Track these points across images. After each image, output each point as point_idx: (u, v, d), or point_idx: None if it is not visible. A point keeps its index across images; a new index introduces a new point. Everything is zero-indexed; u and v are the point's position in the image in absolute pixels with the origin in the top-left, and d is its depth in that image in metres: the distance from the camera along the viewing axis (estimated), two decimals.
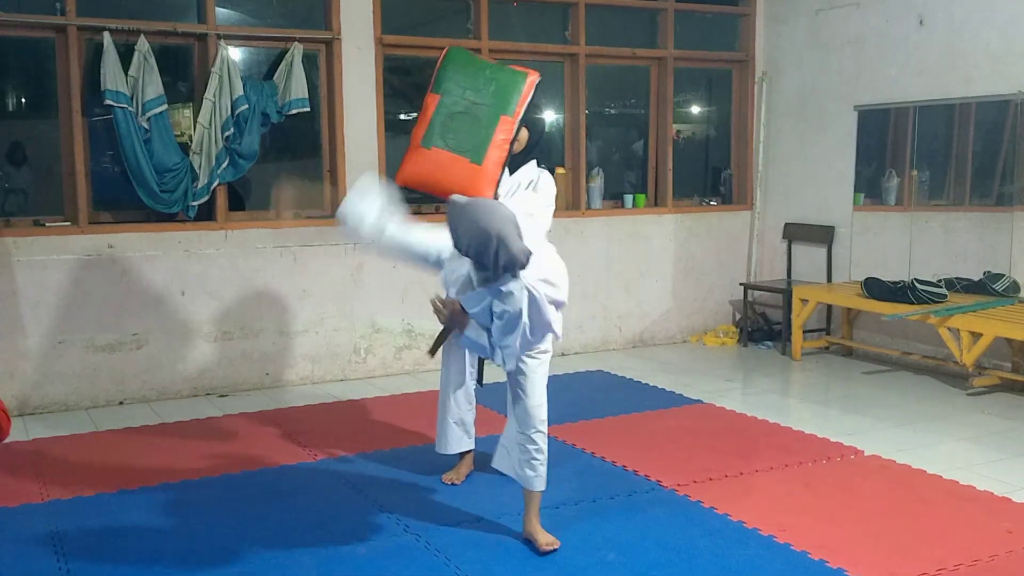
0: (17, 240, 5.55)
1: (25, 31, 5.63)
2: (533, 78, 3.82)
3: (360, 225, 3.75)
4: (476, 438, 4.42)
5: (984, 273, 6.13)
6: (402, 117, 6.96)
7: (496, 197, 3.87)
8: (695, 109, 8.21)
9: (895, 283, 6.22)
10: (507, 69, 3.86)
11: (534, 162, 4.15)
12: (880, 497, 4.11)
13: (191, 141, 5.89)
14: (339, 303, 6.40)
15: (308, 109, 6.11)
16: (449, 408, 4.25)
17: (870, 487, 4.25)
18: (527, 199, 4.09)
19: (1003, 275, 6.01)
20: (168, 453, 4.80)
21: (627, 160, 7.88)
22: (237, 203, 6.30)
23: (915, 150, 6.72)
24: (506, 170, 4.09)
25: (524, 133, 4.08)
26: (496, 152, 3.73)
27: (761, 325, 7.72)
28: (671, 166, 7.55)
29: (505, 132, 3.74)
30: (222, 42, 5.89)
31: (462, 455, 4.41)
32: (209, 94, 5.82)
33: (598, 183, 7.29)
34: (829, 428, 5.12)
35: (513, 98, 3.76)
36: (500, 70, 3.83)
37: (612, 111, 7.87)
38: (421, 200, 6.00)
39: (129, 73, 5.60)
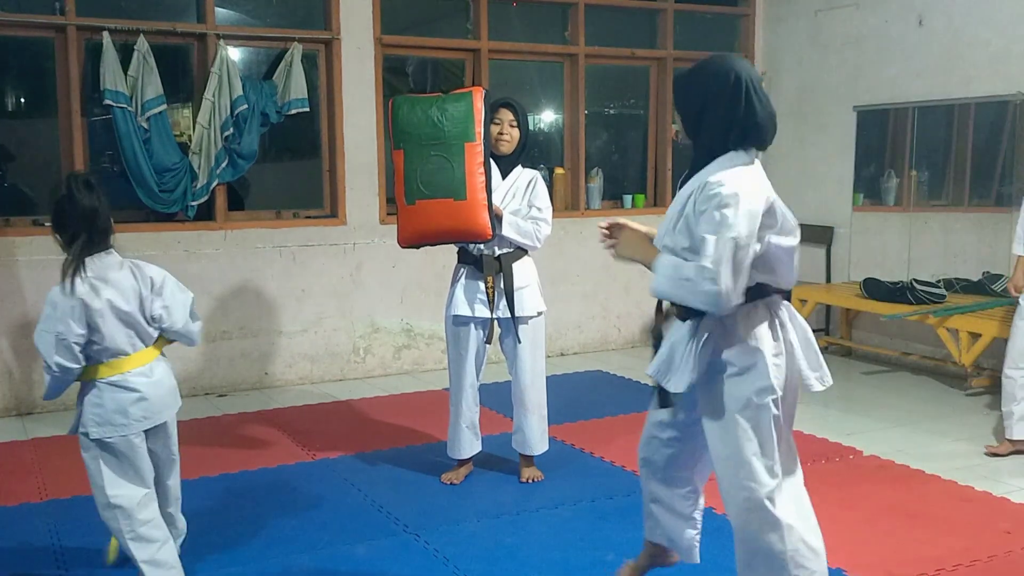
0: (17, 240, 5.55)
1: (24, 31, 5.63)
2: (477, 93, 3.95)
3: None
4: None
5: (983, 274, 6.13)
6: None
7: (492, 208, 3.92)
8: None
9: (894, 283, 6.22)
10: (451, 97, 4.00)
11: (520, 165, 4.21)
12: (879, 497, 4.11)
13: (190, 141, 5.89)
14: (338, 303, 6.40)
15: (307, 109, 6.11)
16: (462, 412, 4.26)
17: (869, 487, 4.25)
18: (540, 194, 4.16)
19: (1002, 276, 6.01)
20: None
21: (626, 160, 7.88)
22: (236, 203, 6.30)
23: (914, 151, 6.72)
24: (498, 173, 4.14)
25: (516, 132, 4.14)
26: (474, 179, 3.88)
27: None
28: (670, 166, 7.55)
29: (475, 156, 3.88)
30: (221, 42, 5.89)
31: None
32: (208, 94, 5.82)
33: (597, 183, 7.29)
34: (828, 428, 5.12)
35: (468, 123, 3.90)
36: (444, 101, 3.98)
37: (611, 111, 7.87)
38: None
39: (128, 73, 5.60)
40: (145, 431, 3.13)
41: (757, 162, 2.45)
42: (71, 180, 3.02)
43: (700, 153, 2.47)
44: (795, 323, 2.56)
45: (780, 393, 2.45)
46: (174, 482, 3.33)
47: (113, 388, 3.06)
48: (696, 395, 2.55)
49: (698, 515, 2.88)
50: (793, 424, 2.53)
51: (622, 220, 2.73)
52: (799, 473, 2.54)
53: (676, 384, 2.50)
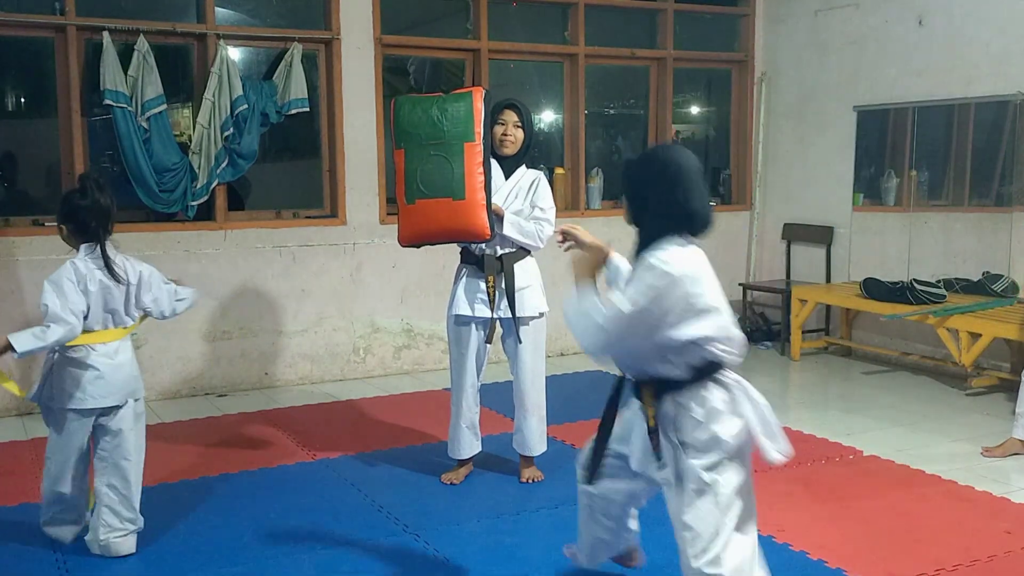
0: (17, 240, 5.55)
1: (24, 31, 5.63)
2: (478, 93, 3.97)
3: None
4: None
5: (983, 274, 6.13)
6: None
7: (491, 208, 3.92)
8: (694, 109, 8.22)
9: (894, 283, 6.22)
10: (451, 97, 4.02)
11: (524, 166, 4.20)
12: (879, 497, 4.11)
13: (190, 141, 5.89)
14: (338, 303, 6.40)
15: (307, 109, 6.11)
16: (462, 412, 4.26)
17: (869, 487, 4.25)
18: (543, 195, 4.15)
19: (1002, 276, 6.01)
20: (167, 453, 4.79)
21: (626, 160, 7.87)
22: (236, 203, 6.30)
23: (914, 151, 6.72)
24: (501, 174, 4.14)
25: (520, 133, 4.14)
26: (473, 179, 3.89)
27: (760, 325, 7.72)
28: None
29: (475, 156, 3.90)
30: (221, 42, 5.89)
31: None
32: (208, 94, 5.82)
33: (597, 183, 7.29)
34: (828, 428, 5.12)
35: (468, 123, 3.92)
36: (445, 101, 3.99)
37: (611, 111, 7.87)
38: None
39: (128, 73, 5.60)
40: (104, 411, 3.44)
41: (695, 246, 2.59)
42: (87, 180, 3.43)
43: (642, 238, 2.62)
44: (750, 397, 2.63)
45: (738, 468, 2.58)
46: (133, 469, 3.53)
47: (76, 364, 3.37)
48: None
49: (633, 524, 3.08)
50: (752, 492, 2.64)
51: (576, 228, 3.01)
52: (754, 531, 2.66)
53: (656, 473, 2.67)
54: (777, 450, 2.63)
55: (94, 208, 3.36)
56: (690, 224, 2.56)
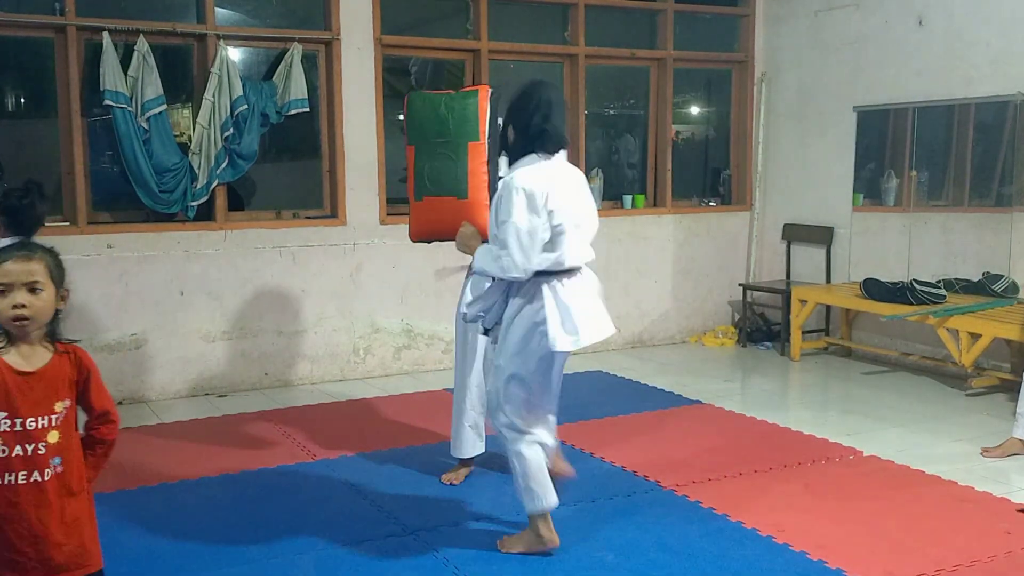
0: None
1: (24, 31, 5.63)
2: (483, 93, 3.98)
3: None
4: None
5: (983, 274, 6.13)
6: (401, 117, 6.97)
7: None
8: (694, 110, 8.22)
9: (894, 284, 6.22)
10: (458, 95, 4.03)
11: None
12: (879, 497, 4.11)
13: (190, 141, 5.89)
14: (338, 303, 6.40)
15: (307, 109, 6.12)
16: (465, 412, 4.27)
17: (869, 487, 4.25)
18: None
19: (1002, 276, 6.01)
20: (167, 453, 4.80)
21: (626, 161, 7.88)
22: (236, 203, 6.30)
23: (914, 151, 6.72)
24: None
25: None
26: (477, 179, 3.92)
27: (760, 326, 7.72)
28: (670, 167, 7.56)
29: (479, 156, 3.91)
30: (221, 42, 5.89)
31: None
32: (208, 94, 5.82)
33: (597, 184, 7.30)
34: (828, 428, 5.12)
35: (473, 122, 3.94)
36: (452, 99, 4.01)
37: (611, 112, 7.87)
38: None
39: (128, 73, 5.61)
40: None
41: (556, 157, 3.40)
42: (37, 188, 3.85)
43: (509, 162, 3.39)
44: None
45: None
46: None
47: None
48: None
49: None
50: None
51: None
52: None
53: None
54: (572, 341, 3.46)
55: (35, 213, 3.80)
56: (544, 141, 3.31)
